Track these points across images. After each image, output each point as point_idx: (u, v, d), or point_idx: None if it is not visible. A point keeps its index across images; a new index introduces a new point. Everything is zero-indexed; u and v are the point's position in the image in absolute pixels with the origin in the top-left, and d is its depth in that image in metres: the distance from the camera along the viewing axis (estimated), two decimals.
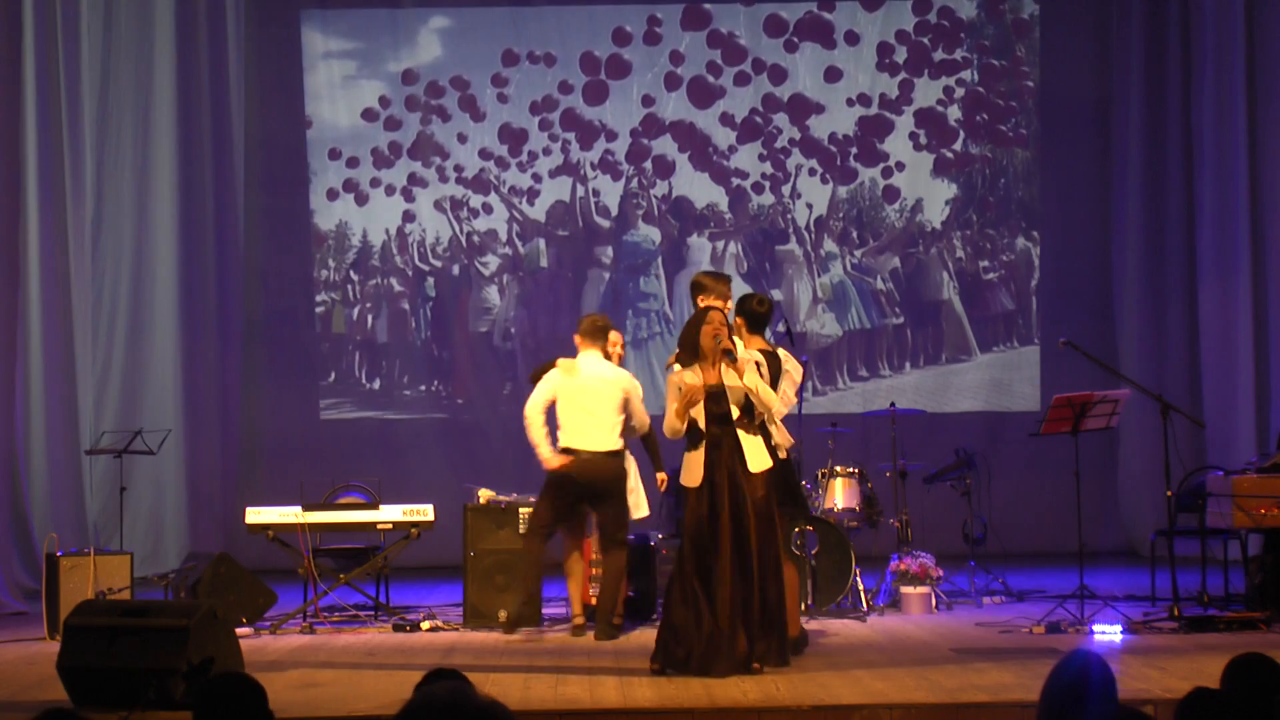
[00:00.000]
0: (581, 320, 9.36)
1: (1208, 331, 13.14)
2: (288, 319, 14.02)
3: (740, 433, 7.49)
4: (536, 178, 14.15)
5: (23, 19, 11.41)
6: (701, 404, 7.47)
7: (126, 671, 6.70)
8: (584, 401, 8.92)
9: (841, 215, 14.17)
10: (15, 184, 11.24)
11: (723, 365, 7.49)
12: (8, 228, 11.09)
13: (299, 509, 9.54)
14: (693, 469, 7.53)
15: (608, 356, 9.14)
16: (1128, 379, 10.71)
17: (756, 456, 7.51)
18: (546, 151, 14.14)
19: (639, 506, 9.22)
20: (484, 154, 14.13)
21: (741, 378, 7.45)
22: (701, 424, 7.50)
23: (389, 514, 9.59)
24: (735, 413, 7.49)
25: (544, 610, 9.53)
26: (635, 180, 14.14)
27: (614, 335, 9.28)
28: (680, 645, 7.40)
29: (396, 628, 9.32)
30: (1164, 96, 13.58)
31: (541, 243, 14.17)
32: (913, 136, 14.17)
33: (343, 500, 10.16)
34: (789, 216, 14.13)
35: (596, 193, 14.15)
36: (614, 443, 8.95)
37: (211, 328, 13.39)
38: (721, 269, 13.82)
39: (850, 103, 14.15)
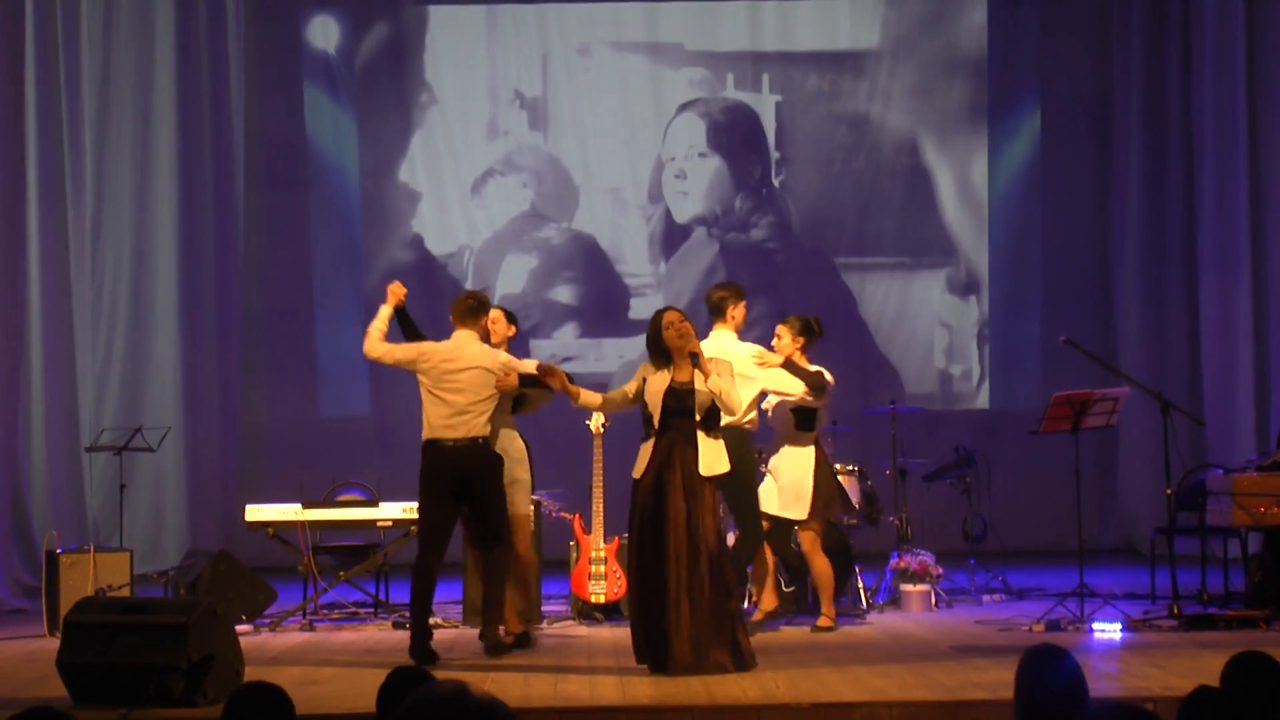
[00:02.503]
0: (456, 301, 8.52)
1: (1208, 329, 13.14)
2: (288, 317, 13.97)
3: (700, 434, 7.43)
4: (530, 174, 13.96)
5: (24, 19, 11.41)
6: (659, 400, 7.40)
7: (126, 668, 6.71)
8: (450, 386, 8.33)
9: (839, 213, 13.96)
10: (15, 183, 11.24)
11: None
12: (8, 227, 11.09)
13: (299, 506, 9.57)
14: (641, 460, 7.46)
15: (486, 337, 8.45)
16: (1128, 377, 10.70)
17: (711, 460, 7.42)
18: (540, 146, 13.95)
19: (515, 502, 8.51)
20: (476, 149, 13.94)
21: (708, 379, 7.41)
22: (655, 419, 7.44)
23: (388, 511, 9.61)
24: (698, 415, 7.43)
25: (544, 608, 9.55)
26: (632, 175, 13.95)
27: (494, 313, 8.68)
28: (635, 640, 7.47)
29: (396, 625, 9.32)
30: (1164, 96, 13.57)
31: (535, 243, 13.97)
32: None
33: (342, 498, 10.17)
34: (785, 213, 13.94)
35: (592, 190, 13.96)
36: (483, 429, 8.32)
37: (212, 325, 13.37)
38: (721, 271, 13.78)
39: (854, 95, 13.96)
